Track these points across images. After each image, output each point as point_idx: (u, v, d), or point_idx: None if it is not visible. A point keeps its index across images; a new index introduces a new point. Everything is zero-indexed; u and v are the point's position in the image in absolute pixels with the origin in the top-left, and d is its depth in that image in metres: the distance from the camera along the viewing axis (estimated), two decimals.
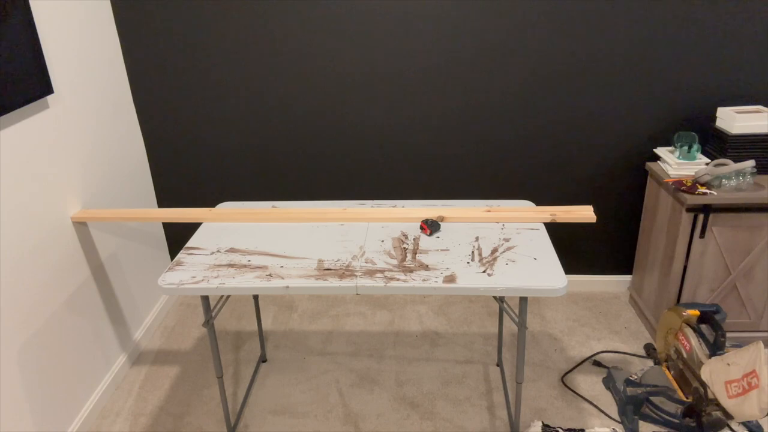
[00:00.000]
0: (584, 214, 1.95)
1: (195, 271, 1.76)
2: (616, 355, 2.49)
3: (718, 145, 2.40)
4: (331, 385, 2.37)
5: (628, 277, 2.91)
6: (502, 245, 1.84)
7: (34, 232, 1.92)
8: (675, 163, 2.37)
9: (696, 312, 2.08)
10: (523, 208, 2.07)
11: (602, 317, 2.75)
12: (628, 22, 2.38)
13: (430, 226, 1.93)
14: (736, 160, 2.30)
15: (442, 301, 2.92)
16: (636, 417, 2.10)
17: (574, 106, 2.55)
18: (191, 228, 2.12)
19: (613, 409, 2.20)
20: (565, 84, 2.51)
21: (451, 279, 1.66)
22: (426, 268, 1.73)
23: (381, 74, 2.53)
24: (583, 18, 2.39)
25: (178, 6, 2.44)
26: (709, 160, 2.37)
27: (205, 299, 1.85)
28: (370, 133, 2.65)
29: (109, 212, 1.84)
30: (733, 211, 2.23)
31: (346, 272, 1.72)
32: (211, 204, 2.83)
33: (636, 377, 2.20)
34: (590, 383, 2.33)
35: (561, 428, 2.09)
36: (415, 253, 1.82)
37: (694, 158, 2.37)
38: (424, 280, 1.67)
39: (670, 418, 2.06)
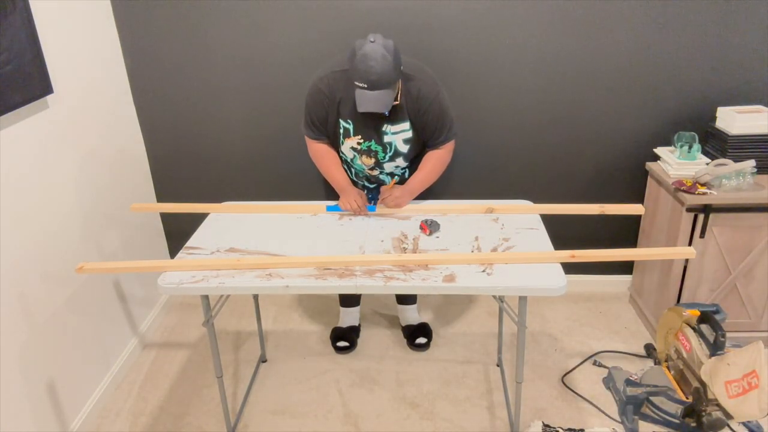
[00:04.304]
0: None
1: (195, 270, 1.76)
2: (616, 355, 2.49)
3: (718, 145, 2.40)
4: (331, 385, 2.37)
5: (628, 277, 2.91)
6: (501, 245, 1.84)
7: (33, 232, 1.92)
8: (675, 163, 2.37)
9: (696, 312, 2.08)
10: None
11: (602, 317, 2.75)
12: (629, 22, 2.38)
13: (430, 226, 1.93)
14: (736, 160, 2.30)
15: (442, 301, 2.92)
16: (636, 417, 2.09)
17: (575, 106, 2.55)
18: (191, 228, 2.13)
19: (613, 409, 2.19)
20: (566, 84, 2.51)
21: (450, 278, 1.66)
22: (425, 267, 1.73)
23: None
24: (584, 18, 2.39)
25: (178, 6, 2.44)
26: (709, 160, 2.37)
27: (205, 299, 1.85)
28: None
29: (112, 264, 1.86)
30: (733, 211, 2.23)
31: (345, 272, 1.72)
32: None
33: (636, 377, 2.20)
34: (590, 383, 2.33)
35: (561, 428, 2.09)
36: (415, 253, 1.81)
37: (694, 158, 2.37)
38: (423, 279, 1.67)
39: (670, 418, 2.06)
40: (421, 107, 1.98)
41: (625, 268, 2.90)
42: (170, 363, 2.54)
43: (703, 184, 2.25)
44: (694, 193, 2.21)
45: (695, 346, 2.02)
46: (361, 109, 1.83)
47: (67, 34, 2.13)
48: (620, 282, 2.93)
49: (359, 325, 2.69)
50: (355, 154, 2.08)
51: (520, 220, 2.02)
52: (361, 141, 2.03)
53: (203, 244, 1.92)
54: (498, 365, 2.45)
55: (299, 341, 2.65)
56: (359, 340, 2.62)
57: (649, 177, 2.60)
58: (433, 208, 2.10)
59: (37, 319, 1.93)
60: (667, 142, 2.58)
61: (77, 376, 2.15)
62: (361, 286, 1.66)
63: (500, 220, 2.02)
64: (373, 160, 2.08)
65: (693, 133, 2.38)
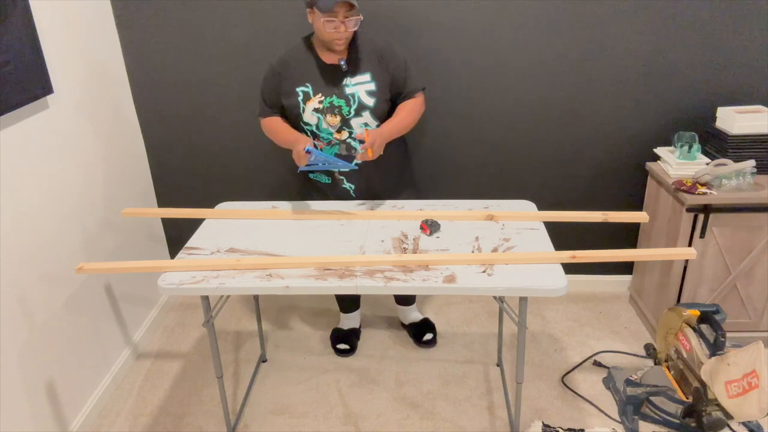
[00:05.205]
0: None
1: (195, 271, 1.76)
2: (616, 355, 2.49)
3: (718, 145, 2.40)
4: (331, 385, 2.37)
5: (628, 277, 2.91)
6: (502, 245, 1.84)
7: (33, 232, 1.92)
8: (675, 163, 2.37)
9: (696, 312, 2.08)
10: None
11: (602, 317, 2.75)
12: (629, 23, 2.38)
13: (430, 226, 1.93)
14: (736, 160, 2.30)
15: (442, 301, 2.92)
16: (636, 417, 2.10)
17: (574, 106, 2.55)
18: (191, 228, 2.13)
19: (613, 409, 2.19)
20: (565, 84, 2.51)
21: (451, 279, 1.66)
22: (426, 267, 1.73)
23: None
24: (583, 18, 2.39)
25: (178, 6, 2.44)
26: (709, 160, 2.37)
27: (205, 299, 1.85)
28: None
29: (110, 264, 1.85)
30: (733, 211, 2.23)
31: (346, 272, 1.72)
32: (211, 204, 2.83)
33: (636, 377, 2.20)
34: (590, 383, 2.33)
35: (561, 428, 2.09)
36: (415, 253, 1.81)
37: (694, 158, 2.37)
38: (424, 280, 1.67)
39: (670, 418, 2.06)
40: (384, 56, 2.03)
41: (625, 268, 2.90)
42: (170, 363, 2.54)
43: (703, 184, 2.25)
44: (694, 193, 2.21)
45: (695, 346, 2.02)
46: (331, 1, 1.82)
47: (67, 34, 2.13)
48: (620, 282, 2.93)
49: (360, 327, 2.69)
50: (319, 116, 2.04)
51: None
52: (323, 98, 2.02)
53: (203, 245, 1.92)
54: (498, 365, 2.45)
55: (299, 341, 2.65)
56: (360, 341, 2.62)
57: (649, 177, 2.60)
58: (432, 214, 2.09)
59: (36, 320, 1.93)
60: (667, 142, 2.58)
61: (77, 376, 2.15)
62: (362, 286, 1.66)
63: (500, 220, 2.02)
64: (338, 118, 2.03)
65: (693, 133, 2.38)
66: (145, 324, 2.69)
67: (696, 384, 2.01)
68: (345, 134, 2.08)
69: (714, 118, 2.48)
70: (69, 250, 2.12)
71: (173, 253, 2.98)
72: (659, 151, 2.50)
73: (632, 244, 2.82)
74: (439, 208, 2.11)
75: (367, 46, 2.03)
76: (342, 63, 2.01)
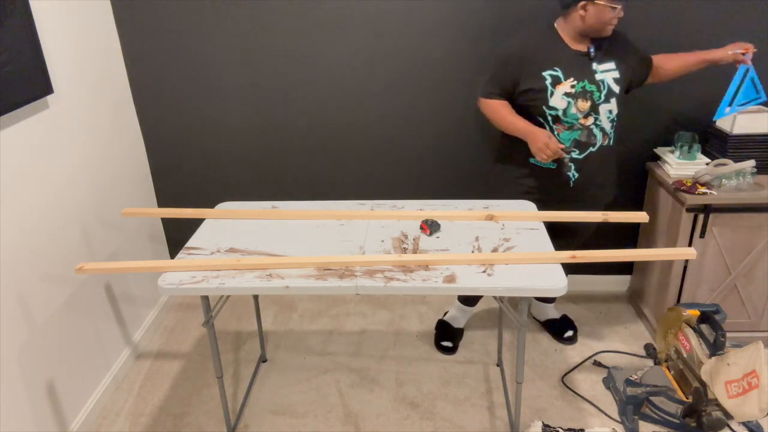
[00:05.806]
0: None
1: (195, 271, 1.76)
2: (616, 355, 2.49)
3: (718, 145, 2.40)
4: (331, 385, 2.37)
5: (628, 277, 2.91)
6: (502, 245, 1.84)
7: (33, 232, 1.92)
8: (675, 163, 2.37)
9: (696, 312, 2.08)
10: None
11: (602, 317, 2.75)
12: (628, 23, 2.38)
13: (430, 226, 1.93)
14: (736, 160, 2.30)
15: (443, 301, 2.92)
16: (636, 417, 2.10)
17: None
18: (191, 228, 2.13)
19: (613, 409, 2.20)
20: None
21: (451, 279, 1.66)
22: (426, 267, 1.73)
23: (381, 75, 2.53)
24: None
25: (179, 6, 2.44)
26: (709, 160, 2.37)
27: (205, 299, 1.85)
28: (370, 133, 2.65)
29: (111, 264, 1.84)
30: (733, 211, 2.23)
31: (346, 272, 1.72)
32: (211, 204, 2.83)
33: (636, 377, 2.20)
34: (590, 383, 2.33)
35: (561, 428, 2.09)
36: (415, 253, 1.81)
37: (694, 158, 2.37)
38: (424, 280, 1.67)
39: (670, 418, 2.06)
40: (627, 48, 2.13)
41: (625, 268, 2.90)
42: (170, 363, 2.54)
43: (703, 184, 2.25)
44: (694, 193, 2.21)
45: (695, 346, 2.02)
46: None
47: (67, 34, 2.13)
48: (620, 282, 2.93)
49: (464, 329, 2.67)
50: (569, 100, 2.04)
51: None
52: (575, 83, 2.04)
53: (203, 245, 1.92)
54: (498, 365, 2.45)
55: (299, 341, 2.65)
56: (360, 341, 2.62)
57: (649, 177, 2.60)
58: (432, 214, 2.09)
59: (36, 320, 1.93)
60: (667, 142, 2.58)
61: (77, 376, 2.15)
62: (362, 286, 1.66)
63: (500, 220, 2.02)
64: (588, 103, 2.06)
65: (693, 133, 2.38)
66: (145, 324, 2.69)
67: (696, 384, 2.01)
68: (591, 120, 2.09)
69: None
70: (68, 250, 2.12)
71: (173, 253, 2.98)
72: (659, 151, 2.50)
73: (632, 244, 2.82)
74: (439, 208, 2.11)
75: (612, 36, 2.09)
76: (591, 50, 2.06)
